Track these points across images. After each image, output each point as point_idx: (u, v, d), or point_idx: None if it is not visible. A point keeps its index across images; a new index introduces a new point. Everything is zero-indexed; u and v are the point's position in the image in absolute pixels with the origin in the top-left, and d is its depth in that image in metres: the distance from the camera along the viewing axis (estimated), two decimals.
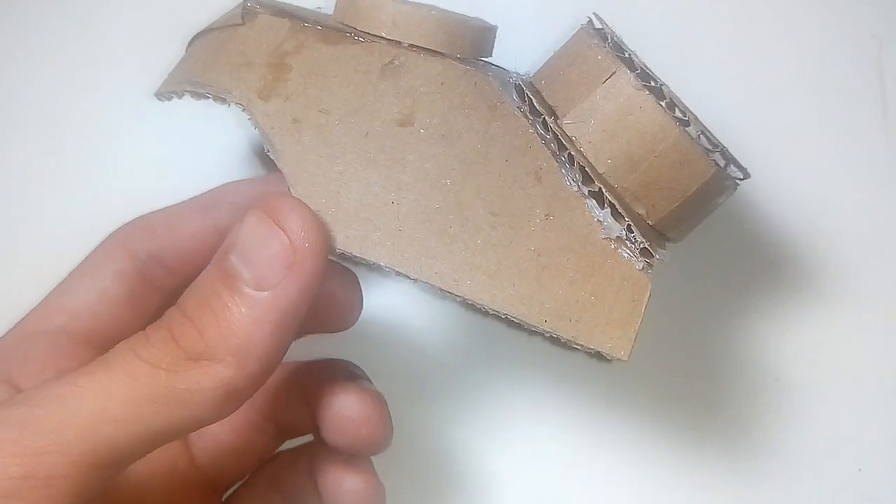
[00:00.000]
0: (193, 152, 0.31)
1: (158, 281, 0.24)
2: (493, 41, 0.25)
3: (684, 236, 0.25)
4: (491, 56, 0.25)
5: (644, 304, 0.22)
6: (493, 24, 0.25)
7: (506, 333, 0.31)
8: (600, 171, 0.23)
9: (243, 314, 0.19)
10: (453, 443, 0.31)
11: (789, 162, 0.32)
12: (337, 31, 0.23)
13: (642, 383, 0.31)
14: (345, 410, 0.24)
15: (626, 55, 0.23)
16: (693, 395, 0.32)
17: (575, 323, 0.21)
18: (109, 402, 0.18)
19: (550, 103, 0.23)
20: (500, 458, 0.31)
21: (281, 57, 0.23)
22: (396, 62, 0.23)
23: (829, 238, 0.32)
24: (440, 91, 0.22)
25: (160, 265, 0.24)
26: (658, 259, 0.22)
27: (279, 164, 0.22)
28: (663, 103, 0.22)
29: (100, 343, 0.23)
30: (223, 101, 0.23)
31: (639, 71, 0.23)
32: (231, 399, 0.19)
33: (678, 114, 0.23)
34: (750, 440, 0.31)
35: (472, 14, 0.25)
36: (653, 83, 0.23)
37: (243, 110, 0.22)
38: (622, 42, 0.23)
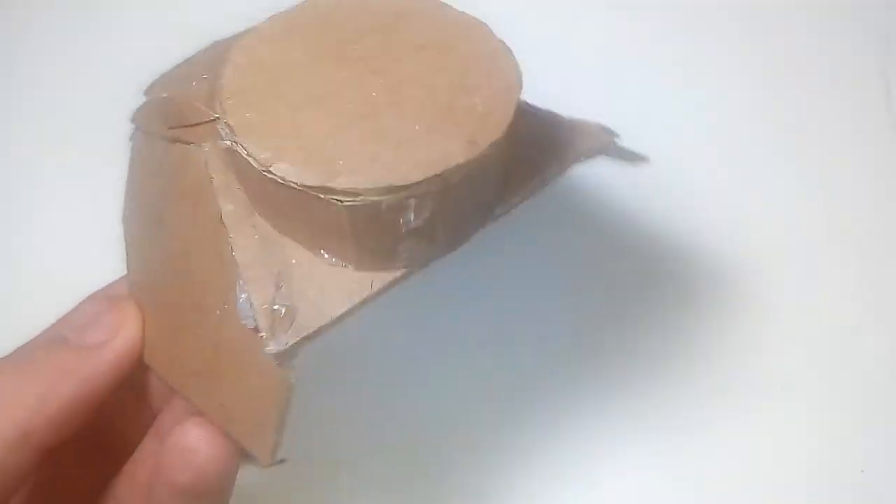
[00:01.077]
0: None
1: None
2: None
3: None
4: None
5: (282, 408, 0.19)
6: None
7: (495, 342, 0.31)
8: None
9: (54, 366, 0.21)
10: (445, 444, 0.31)
11: (794, 157, 0.32)
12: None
13: (638, 386, 0.31)
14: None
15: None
16: (692, 397, 0.31)
17: (234, 423, 0.20)
18: None
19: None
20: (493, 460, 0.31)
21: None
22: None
23: (837, 234, 0.32)
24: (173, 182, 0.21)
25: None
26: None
27: None
28: None
29: None
30: None
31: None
32: (27, 440, 0.20)
33: None
34: (751, 442, 0.31)
35: None
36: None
37: None
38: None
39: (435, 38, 0.20)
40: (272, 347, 0.18)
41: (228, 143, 0.19)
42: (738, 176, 0.32)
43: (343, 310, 0.19)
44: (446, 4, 0.21)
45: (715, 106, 0.33)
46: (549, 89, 0.24)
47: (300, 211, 0.18)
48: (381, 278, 0.19)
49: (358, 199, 0.18)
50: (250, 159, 0.18)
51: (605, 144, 0.23)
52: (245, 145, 0.18)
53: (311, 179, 0.18)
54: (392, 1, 0.21)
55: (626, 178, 0.31)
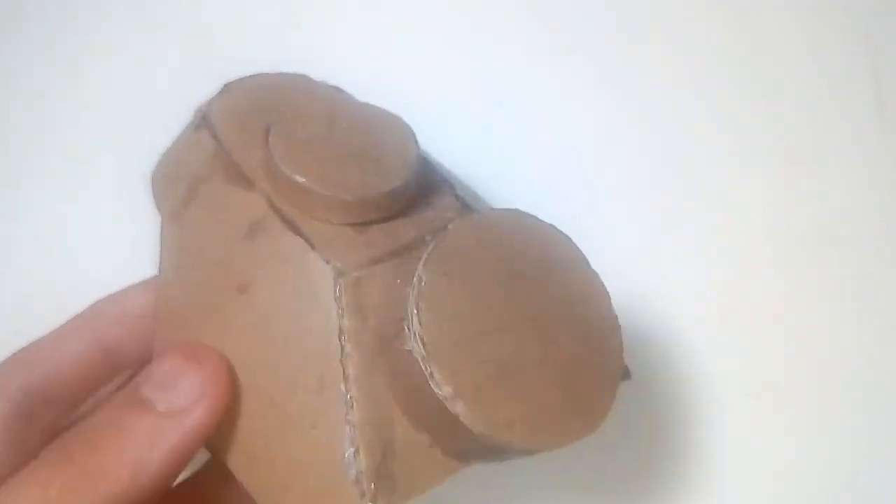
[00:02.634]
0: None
1: (42, 418, 0.23)
2: (404, 198, 0.23)
3: None
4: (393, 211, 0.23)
5: None
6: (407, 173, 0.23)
7: None
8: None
9: (144, 433, 0.21)
10: None
11: (784, 162, 0.32)
12: (239, 170, 0.23)
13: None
14: None
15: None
16: (685, 400, 0.31)
17: None
18: None
19: None
20: None
21: (197, 181, 0.24)
22: (261, 223, 0.22)
23: (823, 239, 0.32)
24: (279, 268, 0.22)
25: (41, 400, 0.23)
26: None
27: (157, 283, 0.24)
28: None
29: None
30: None
31: None
32: None
33: None
34: (745, 446, 0.31)
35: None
36: None
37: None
38: None
39: (576, 294, 0.22)
40: None
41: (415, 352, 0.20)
42: (724, 182, 0.32)
43: (432, 486, 0.21)
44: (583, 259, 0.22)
45: (701, 109, 0.33)
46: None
47: (436, 414, 0.20)
48: (460, 466, 0.21)
49: (504, 446, 0.20)
50: (432, 384, 0.19)
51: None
52: (433, 369, 0.19)
53: (478, 428, 0.19)
54: (540, 244, 0.22)
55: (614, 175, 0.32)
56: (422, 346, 0.19)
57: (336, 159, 0.22)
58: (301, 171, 0.22)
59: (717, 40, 0.33)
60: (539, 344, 0.20)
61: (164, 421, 0.21)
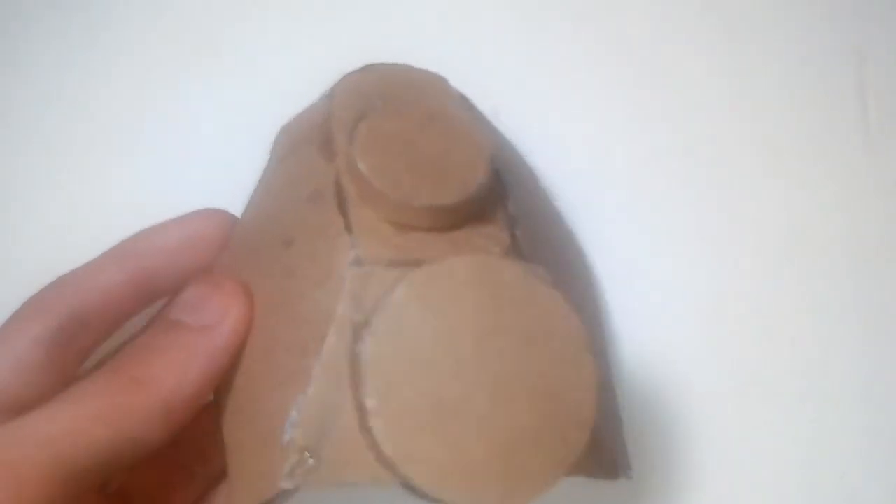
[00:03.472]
0: (194, 153, 0.33)
1: (78, 341, 0.24)
2: (450, 217, 0.24)
3: None
4: None
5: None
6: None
7: None
8: None
9: (181, 344, 0.23)
10: None
11: (770, 174, 0.33)
12: (331, 141, 0.25)
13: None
14: None
15: None
16: (677, 394, 0.31)
17: (234, 476, 0.23)
18: (62, 420, 0.21)
19: None
20: None
21: (303, 139, 0.26)
22: (322, 192, 0.24)
23: (811, 244, 0.32)
24: (318, 237, 0.23)
25: (79, 324, 0.24)
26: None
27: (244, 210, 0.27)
28: None
29: (19, 411, 0.23)
30: None
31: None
32: (169, 418, 0.22)
33: None
34: (730, 446, 0.31)
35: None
36: None
37: None
38: None
39: (556, 376, 0.21)
40: (285, 483, 0.21)
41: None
42: (716, 188, 0.33)
43: (358, 482, 0.21)
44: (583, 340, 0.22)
45: (688, 120, 0.33)
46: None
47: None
48: (388, 478, 0.21)
49: (402, 479, 0.20)
50: (361, 392, 0.20)
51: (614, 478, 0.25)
52: (366, 379, 0.20)
53: (387, 449, 0.20)
54: (544, 313, 0.22)
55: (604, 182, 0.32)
56: (365, 353, 0.20)
57: (406, 158, 0.23)
58: (367, 159, 0.23)
59: (707, 52, 0.34)
60: (490, 402, 0.20)
61: (196, 335, 0.23)
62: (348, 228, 0.23)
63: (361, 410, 0.20)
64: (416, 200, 0.23)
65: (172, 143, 0.33)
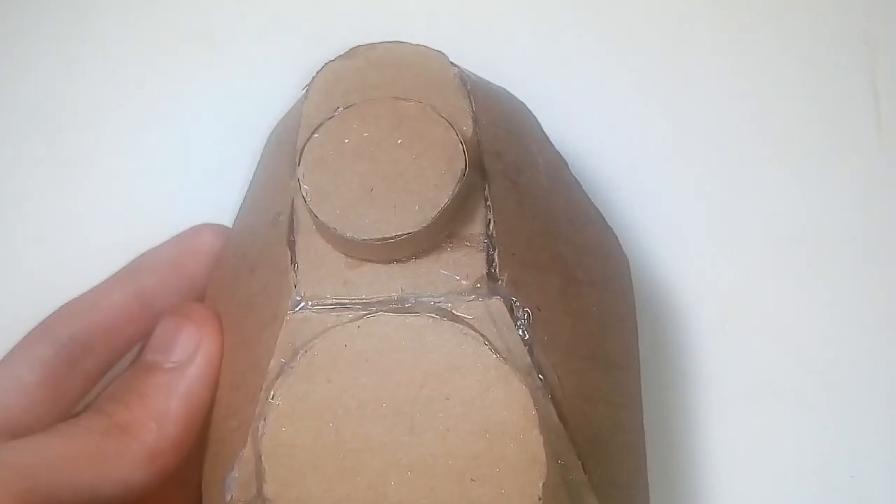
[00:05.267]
0: (193, 158, 0.32)
1: (81, 364, 0.24)
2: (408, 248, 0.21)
3: None
4: None
5: None
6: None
7: None
8: None
9: (159, 387, 0.23)
10: None
11: (782, 165, 0.32)
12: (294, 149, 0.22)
13: None
14: None
15: None
16: (684, 397, 0.31)
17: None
18: (46, 453, 0.21)
19: None
20: None
21: (278, 142, 0.24)
22: (279, 218, 0.22)
23: (822, 241, 0.32)
24: (270, 269, 0.22)
25: (82, 346, 0.24)
26: None
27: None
28: None
29: (14, 433, 0.23)
30: None
31: None
32: (156, 461, 0.22)
33: None
34: (741, 447, 0.31)
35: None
36: None
37: None
38: None
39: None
40: None
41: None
42: (724, 186, 0.33)
43: None
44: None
45: (699, 112, 0.33)
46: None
47: None
48: None
49: None
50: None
51: None
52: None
53: None
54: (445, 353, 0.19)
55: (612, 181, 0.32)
56: (265, 443, 0.18)
57: (360, 180, 0.20)
58: (311, 184, 0.20)
59: (716, 46, 0.33)
60: (407, 490, 0.18)
61: (171, 375, 0.23)
62: (294, 263, 0.20)
63: (262, 498, 0.18)
64: (365, 234, 0.20)
65: (171, 142, 0.32)
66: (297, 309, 0.20)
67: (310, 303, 0.20)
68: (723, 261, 0.32)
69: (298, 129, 0.22)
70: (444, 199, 0.20)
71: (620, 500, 0.22)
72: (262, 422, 0.19)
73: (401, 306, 0.20)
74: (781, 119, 0.33)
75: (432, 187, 0.20)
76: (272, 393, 0.19)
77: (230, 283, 0.24)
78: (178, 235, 0.26)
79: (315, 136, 0.21)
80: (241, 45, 0.33)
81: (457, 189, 0.20)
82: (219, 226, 0.26)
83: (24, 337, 0.24)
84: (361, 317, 0.19)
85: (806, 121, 0.33)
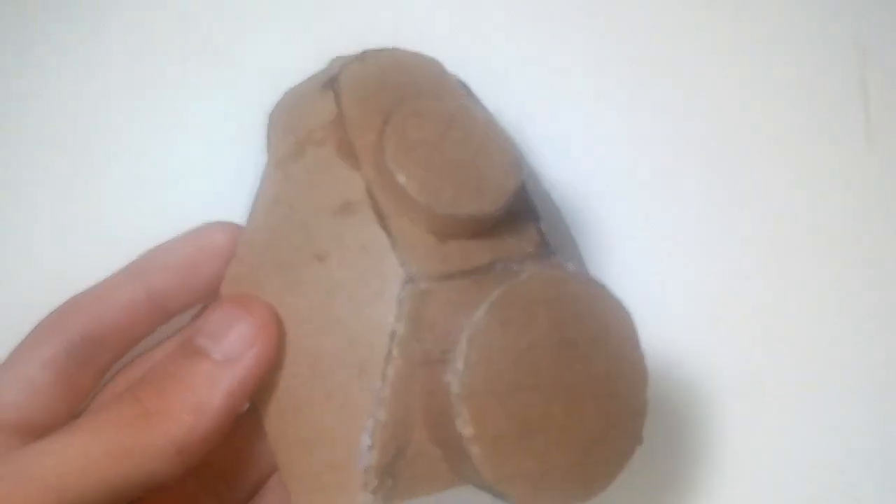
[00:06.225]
0: (194, 158, 0.32)
1: (92, 360, 0.24)
2: (490, 224, 0.24)
3: None
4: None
5: None
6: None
7: None
8: None
9: (203, 378, 0.22)
10: None
11: (773, 170, 0.33)
12: (351, 146, 0.24)
13: None
14: None
15: None
16: (675, 393, 0.31)
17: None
18: (72, 456, 0.20)
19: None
20: None
21: (309, 140, 0.25)
22: (355, 206, 0.23)
23: (813, 242, 0.33)
24: (359, 253, 0.23)
25: (93, 342, 0.24)
26: None
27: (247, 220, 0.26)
28: None
29: (31, 433, 0.23)
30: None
31: None
32: (183, 456, 0.21)
33: None
34: (731, 442, 0.31)
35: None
36: None
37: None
38: None
39: (615, 372, 0.23)
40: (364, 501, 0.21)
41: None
42: (716, 187, 0.33)
43: (430, 493, 0.22)
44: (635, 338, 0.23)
45: (691, 116, 0.33)
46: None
47: (453, 441, 0.21)
48: (460, 482, 0.23)
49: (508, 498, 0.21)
50: (458, 422, 0.21)
51: None
52: (462, 409, 0.21)
53: (489, 474, 0.21)
54: (599, 316, 0.23)
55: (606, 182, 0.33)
56: (458, 385, 0.20)
57: (441, 167, 0.23)
58: (404, 171, 0.23)
59: (708, 49, 0.33)
60: (565, 412, 0.22)
61: (219, 368, 0.22)
62: (393, 244, 0.23)
63: (456, 440, 0.20)
64: (460, 211, 0.23)
65: (169, 142, 0.31)
66: (413, 284, 0.22)
67: (420, 277, 0.22)
68: (716, 262, 0.32)
69: (344, 123, 0.24)
70: (515, 181, 0.24)
71: None
72: (453, 369, 0.21)
73: (493, 272, 0.23)
74: (772, 122, 0.33)
75: (502, 171, 0.24)
76: (462, 341, 0.21)
77: (281, 273, 0.24)
78: (188, 233, 0.25)
79: (388, 129, 0.23)
80: (247, 46, 0.32)
81: (521, 173, 0.24)
82: (229, 223, 0.26)
83: (32, 333, 0.24)
84: (517, 275, 0.22)
85: (796, 124, 0.33)
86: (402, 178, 0.22)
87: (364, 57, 0.26)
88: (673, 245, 0.32)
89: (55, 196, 0.30)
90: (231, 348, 0.22)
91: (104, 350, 0.24)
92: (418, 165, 0.23)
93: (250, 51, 0.32)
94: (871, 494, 0.31)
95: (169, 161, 0.31)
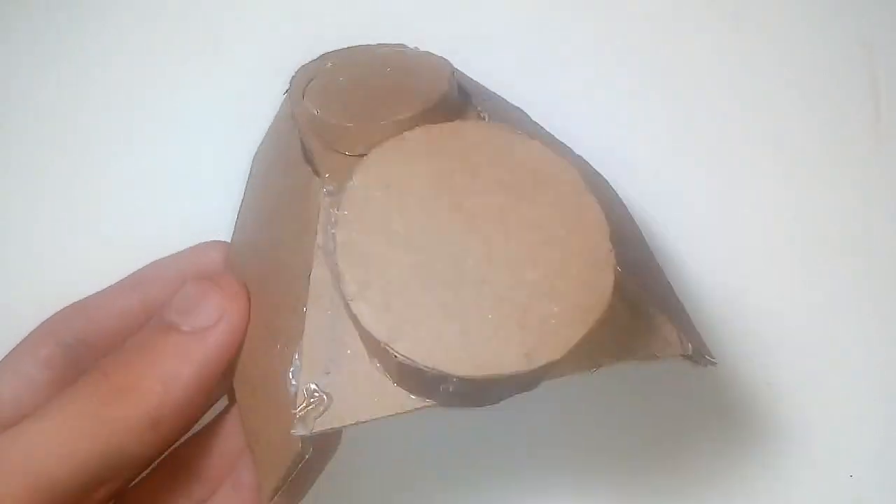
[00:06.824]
0: (194, 158, 0.32)
1: (86, 361, 0.24)
2: None
3: None
4: None
5: (291, 468, 0.20)
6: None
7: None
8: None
9: (172, 349, 0.22)
10: None
11: (780, 171, 0.32)
12: (293, 115, 0.24)
13: (635, 390, 0.31)
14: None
15: None
16: (684, 398, 0.31)
17: (256, 448, 0.21)
18: (45, 440, 0.20)
19: None
20: None
21: (276, 124, 0.26)
22: (292, 159, 0.23)
23: (822, 241, 0.32)
24: (293, 198, 0.22)
25: (89, 348, 0.24)
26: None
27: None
28: None
29: None
30: None
31: None
32: (157, 429, 0.21)
33: None
34: (741, 447, 0.31)
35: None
36: None
37: None
38: None
39: (556, 217, 0.19)
40: (298, 429, 0.19)
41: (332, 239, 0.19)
42: (724, 185, 0.33)
43: (372, 417, 0.19)
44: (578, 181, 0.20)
45: (698, 117, 0.33)
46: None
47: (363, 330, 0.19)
48: (415, 402, 0.19)
49: (408, 361, 0.18)
50: (341, 286, 0.18)
51: (678, 352, 0.21)
52: (341, 267, 0.19)
53: (380, 333, 0.18)
54: (492, 145, 0.20)
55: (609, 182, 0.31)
56: (335, 246, 0.18)
57: (363, 96, 0.23)
58: (318, 105, 0.22)
59: (715, 48, 0.33)
60: (488, 264, 0.18)
61: (189, 339, 0.22)
62: (316, 172, 0.22)
63: (346, 306, 0.18)
64: (377, 120, 0.21)
65: (169, 142, 0.32)
66: (332, 196, 0.21)
67: (339, 189, 0.21)
68: (722, 261, 0.32)
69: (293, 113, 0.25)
70: (443, 87, 0.22)
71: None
72: (332, 238, 0.19)
73: None
74: (780, 121, 0.33)
75: (429, 84, 0.22)
76: (336, 207, 0.19)
77: (248, 243, 0.24)
78: (186, 250, 0.26)
79: (313, 81, 0.24)
80: (248, 49, 0.33)
81: (451, 82, 0.23)
82: (223, 243, 0.27)
83: (27, 337, 0.24)
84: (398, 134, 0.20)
85: (805, 123, 0.33)
86: (314, 111, 0.22)
87: (322, 57, 0.27)
88: (679, 243, 0.32)
89: (55, 196, 0.31)
90: (200, 320, 0.22)
91: (98, 353, 0.24)
92: (334, 98, 0.23)
93: (250, 51, 0.33)
94: (880, 497, 0.31)
95: (169, 161, 0.32)
